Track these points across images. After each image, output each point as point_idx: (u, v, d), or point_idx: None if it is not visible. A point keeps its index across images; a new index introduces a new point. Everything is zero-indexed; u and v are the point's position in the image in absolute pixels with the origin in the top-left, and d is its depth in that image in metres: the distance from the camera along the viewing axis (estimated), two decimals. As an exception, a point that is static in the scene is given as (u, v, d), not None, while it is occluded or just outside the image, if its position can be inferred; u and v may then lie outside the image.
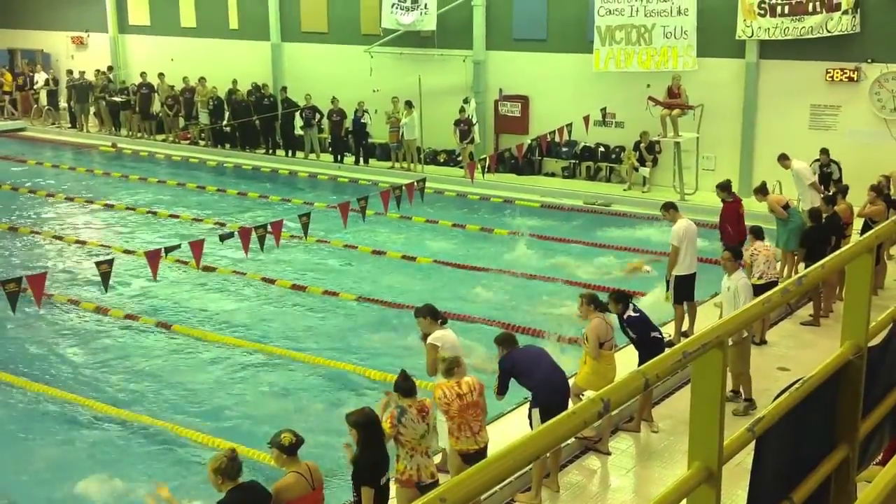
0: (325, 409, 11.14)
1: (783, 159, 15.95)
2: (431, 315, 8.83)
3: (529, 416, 8.63)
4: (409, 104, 23.21)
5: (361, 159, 24.56)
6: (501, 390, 8.68)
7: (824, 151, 17.82)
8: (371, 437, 6.88)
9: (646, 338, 9.78)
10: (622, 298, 9.94)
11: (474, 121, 22.96)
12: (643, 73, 20.95)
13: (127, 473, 9.93)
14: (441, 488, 1.85)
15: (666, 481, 8.63)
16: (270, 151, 26.00)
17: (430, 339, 8.65)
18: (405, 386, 7.47)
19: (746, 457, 2.92)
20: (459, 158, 22.77)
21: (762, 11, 19.71)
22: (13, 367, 12.58)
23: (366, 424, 6.88)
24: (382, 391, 8.36)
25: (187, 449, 10.32)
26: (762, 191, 14.42)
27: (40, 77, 30.94)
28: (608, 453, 9.37)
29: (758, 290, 10.31)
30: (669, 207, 12.66)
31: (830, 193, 14.81)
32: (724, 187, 13.91)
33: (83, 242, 18.46)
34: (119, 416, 11.05)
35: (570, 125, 20.05)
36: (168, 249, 12.70)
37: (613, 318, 9.81)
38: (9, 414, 11.36)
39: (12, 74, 31.71)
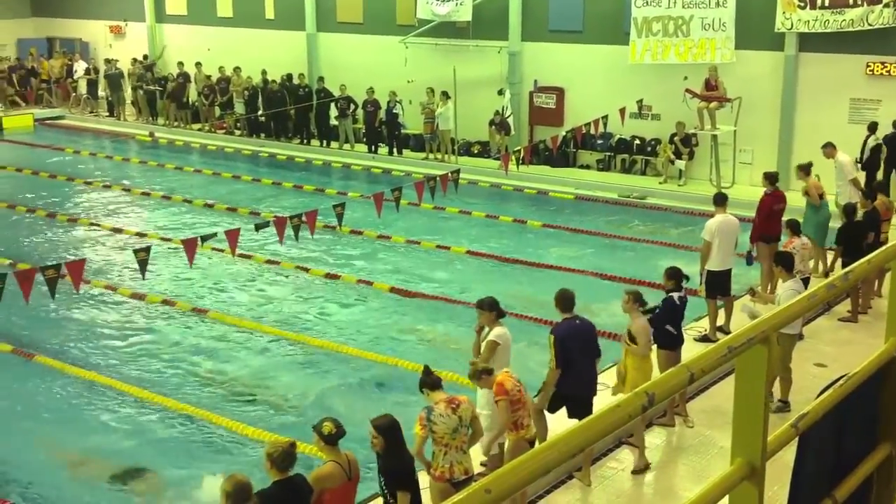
0: (358, 399, 11.20)
1: (828, 148, 15.71)
2: (495, 310, 8.78)
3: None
4: (445, 95, 23.19)
5: (395, 150, 24.59)
6: (560, 362, 8.57)
7: (872, 127, 17.83)
8: (395, 443, 6.75)
9: (672, 324, 9.83)
10: (675, 276, 9.94)
11: (508, 113, 22.89)
12: (680, 65, 20.77)
13: (160, 457, 10.04)
14: (486, 479, 1.85)
15: (700, 477, 8.62)
16: (305, 141, 26.10)
17: (492, 336, 8.61)
18: (429, 381, 7.41)
19: (785, 454, 2.89)
20: (498, 155, 22.63)
21: (802, 4, 19.46)
22: (51, 351, 12.76)
23: (390, 430, 6.75)
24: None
25: (224, 437, 10.40)
26: (805, 170, 14.23)
27: (79, 66, 31.23)
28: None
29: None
30: (714, 200, 12.50)
31: (870, 189, 14.60)
32: (767, 176, 13.67)
33: (120, 230, 18.65)
34: (154, 402, 11.17)
35: (605, 117, 19.92)
36: (204, 238, 12.82)
37: None
38: (46, 397, 11.51)
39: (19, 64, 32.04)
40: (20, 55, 32.96)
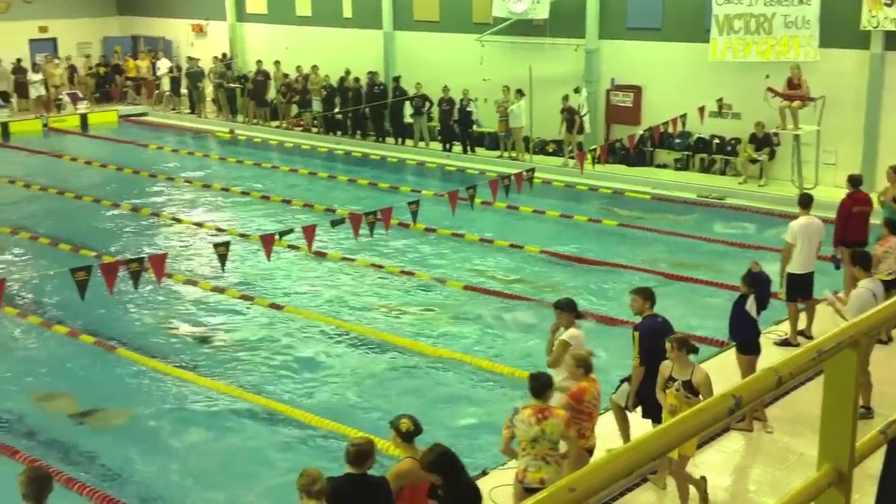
0: (435, 398, 11.25)
1: None
2: (573, 311, 8.76)
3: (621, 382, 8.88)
4: (519, 92, 23.13)
5: (468, 148, 24.61)
6: (645, 359, 8.46)
7: None
8: (453, 473, 6.30)
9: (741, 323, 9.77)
10: (754, 282, 9.78)
11: (584, 111, 22.70)
12: (762, 63, 20.36)
13: (238, 453, 10.23)
14: (570, 478, 1.85)
15: (778, 484, 8.45)
16: (380, 139, 26.30)
17: (565, 336, 8.59)
18: (531, 385, 7.32)
19: (869, 462, 2.82)
20: (571, 153, 22.42)
21: (889, 2, 18.89)
22: (132, 342, 13.08)
23: (439, 463, 6.27)
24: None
25: (302, 431, 10.54)
26: None
27: (163, 64, 31.99)
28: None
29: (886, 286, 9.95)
30: (799, 201, 12.20)
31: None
32: (850, 179, 13.30)
33: (200, 225, 19.05)
34: (233, 395, 11.38)
35: (683, 116, 19.66)
36: (282, 233, 13.03)
37: None
38: (125, 389, 11.80)
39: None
40: (105, 53, 33.89)
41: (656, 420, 8.35)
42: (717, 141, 21.87)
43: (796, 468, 8.69)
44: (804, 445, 8.91)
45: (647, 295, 8.86)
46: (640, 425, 8.69)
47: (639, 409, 8.78)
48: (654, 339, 8.49)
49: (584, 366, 7.83)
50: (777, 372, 2.25)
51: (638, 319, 8.89)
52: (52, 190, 21.84)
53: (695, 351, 8.21)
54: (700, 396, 7.84)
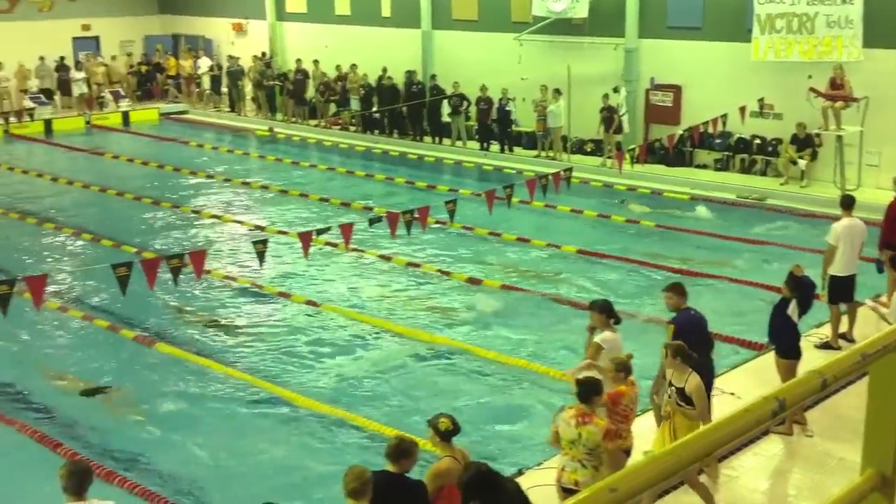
0: (471, 397, 11.25)
1: None
2: (607, 313, 8.73)
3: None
4: (556, 92, 23.06)
5: (506, 147, 24.57)
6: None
7: None
8: (491, 490, 5.82)
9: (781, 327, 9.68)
10: (797, 286, 9.65)
11: (622, 111, 22.58)
12: (804, 63, 20.11)
13: (276, 449, 10.30)
14: (611, 478, 1.84)
15: (818, 488, 8.36)
16: (417, 138, 26.34)
17: (598, 339, 8.59)
18: (577, 390, 7.37)
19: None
20: (610, 153, 22.27)
21: (936, -1, 18.60)
22: (171, 337, 13.23)
23: (476, 485, 5.81)
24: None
25: (337, 429, 10.59)
26: None
27: (203, 63, 32.29)
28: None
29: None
30: (841, 203, 12.04)
31: None
32: (895, 180, 13.14)
33: (239, 222, 19.19)
34: (269, 389, 11.46)
35: (724, 116, 19.47)
36: (319, 231, 13.09)
37: None
38: (164, 384, 11.92)
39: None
40: (147, 52, 34.27)
41: None
42: (758, 141, 21.64)
43: (836, 472, 8.58)
44: (844, 450, 8.80)
45: (680, 290, 8.96)
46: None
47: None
48: (691, 332, 8.49)
49: (625, 370, 7.88)
50: (821, 375, 2.23)
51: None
52: (95, 187, 22.13)
53: (690, 358, 8.00)
54: (693, 405, 7.83)
